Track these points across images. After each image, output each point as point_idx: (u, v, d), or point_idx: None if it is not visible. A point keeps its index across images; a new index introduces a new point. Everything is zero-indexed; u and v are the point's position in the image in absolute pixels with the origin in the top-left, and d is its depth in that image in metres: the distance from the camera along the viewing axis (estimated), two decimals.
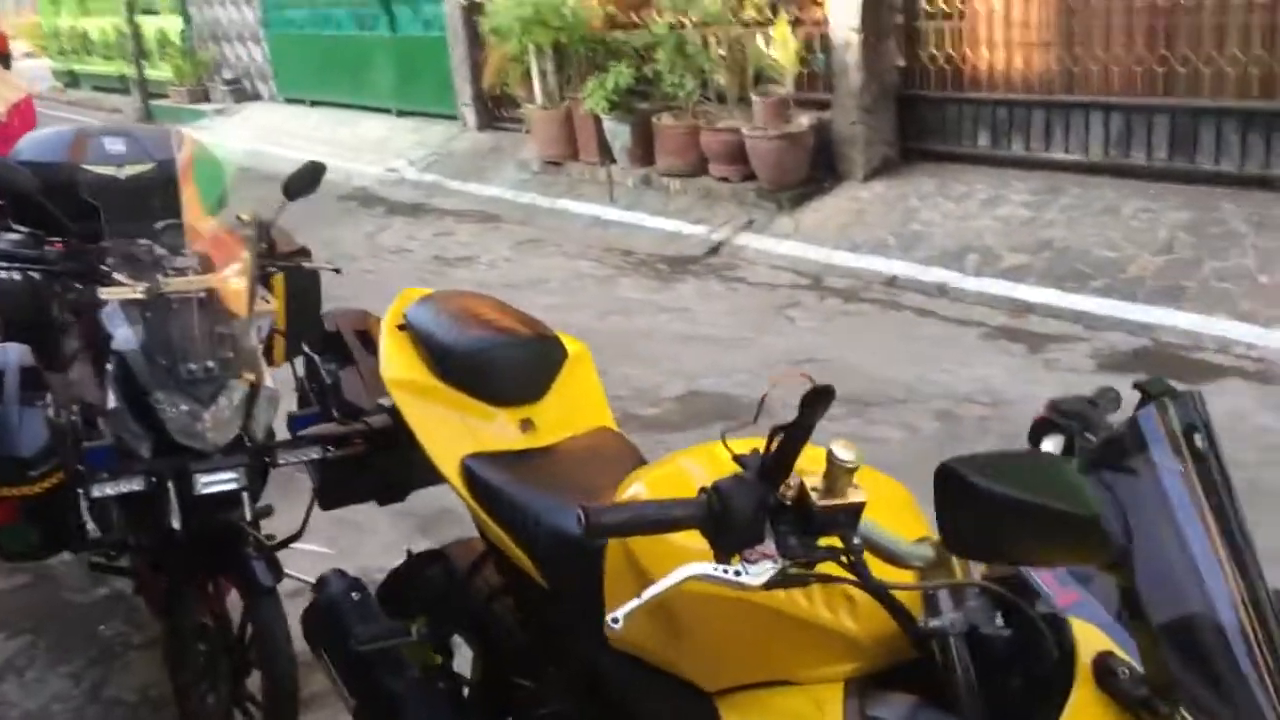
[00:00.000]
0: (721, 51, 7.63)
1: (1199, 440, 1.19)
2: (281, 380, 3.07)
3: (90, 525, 2.80)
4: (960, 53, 7.11)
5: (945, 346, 5.34)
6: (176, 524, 2.57)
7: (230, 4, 14.74)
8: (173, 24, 15.59)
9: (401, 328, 2.21)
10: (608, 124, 8.30)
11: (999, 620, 1.30)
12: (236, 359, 2.70)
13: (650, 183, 8.16)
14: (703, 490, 1.26)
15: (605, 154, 8.45)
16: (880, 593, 1.28)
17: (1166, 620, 1.14)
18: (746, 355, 5.37)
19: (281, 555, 2.81)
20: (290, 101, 13.80)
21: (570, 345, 2.22)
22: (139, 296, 2.69)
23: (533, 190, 8.89)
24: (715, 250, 7.15)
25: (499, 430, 2.05)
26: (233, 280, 2.78)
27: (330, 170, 11.15)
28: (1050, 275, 5.83)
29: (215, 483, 2.58)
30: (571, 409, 2.14)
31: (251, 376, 2.70)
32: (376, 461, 2.60)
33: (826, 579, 1.28)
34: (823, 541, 1.25)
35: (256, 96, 14.58)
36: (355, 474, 2.66)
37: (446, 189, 9.52)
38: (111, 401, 2.74)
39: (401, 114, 11.68)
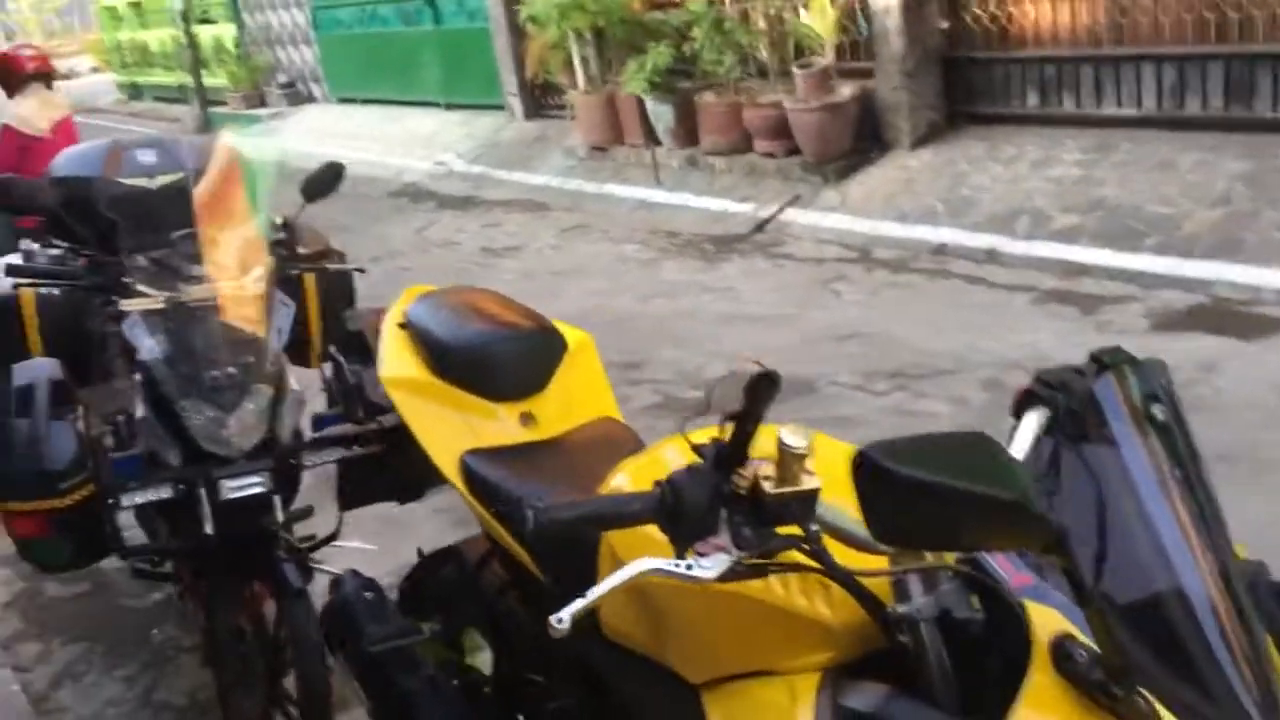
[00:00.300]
0: (760, 25, 7.53)
1: (1158, 411, 1.13)
2: (314, 382, 3.10)
3: (128, 533, 2.86)
4: (1005, 11, 6.93)
5: (994, 314, 5.23)
6: (210, 529, 2.60)
7: (281, 8, 14.92)
8: (227, 31, 15.84)
9: (403, 326, 2.21)
10: (650, 105, 8.25)
11: (975, 604, 1.26)
12: (258, 364, 2.72)
13: (695, 163, 8.10)
14: (657, 483, 1.24)
15: (650, 136, 8.40)
16: (845, 580, 1.25)
17: (1132, 598, 1.09)
18: (790, 332, 5.31)
19: (327, 554, 2.84)
20: (343, 101, 13.94)
21: (571, 336, 2.21)
22: (159, 307, 2.73)
23: (579, 176, 8.88)
24: (761, 227, 7.08)
25: (498, 425, 2.04)
26: (251, 286, 2.80)
27: (380, 167, 11.28)
28: (1103, 235, 5.68)
29: (241, 487, 2.60)
30: (573, 401, 2.12)
31: (274, 380, 2.72)
32: (392, 460, 2.61)
33: (788, 568, 1.25)
34: (781, 530, 1.22)
35: (311, 98, 14.76)
36: (373, 473, 2.67)
37: (494, 180, 9.55)
38: (140, 411, 2.79)
39: (450, 107, 11.73)
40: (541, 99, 10.36)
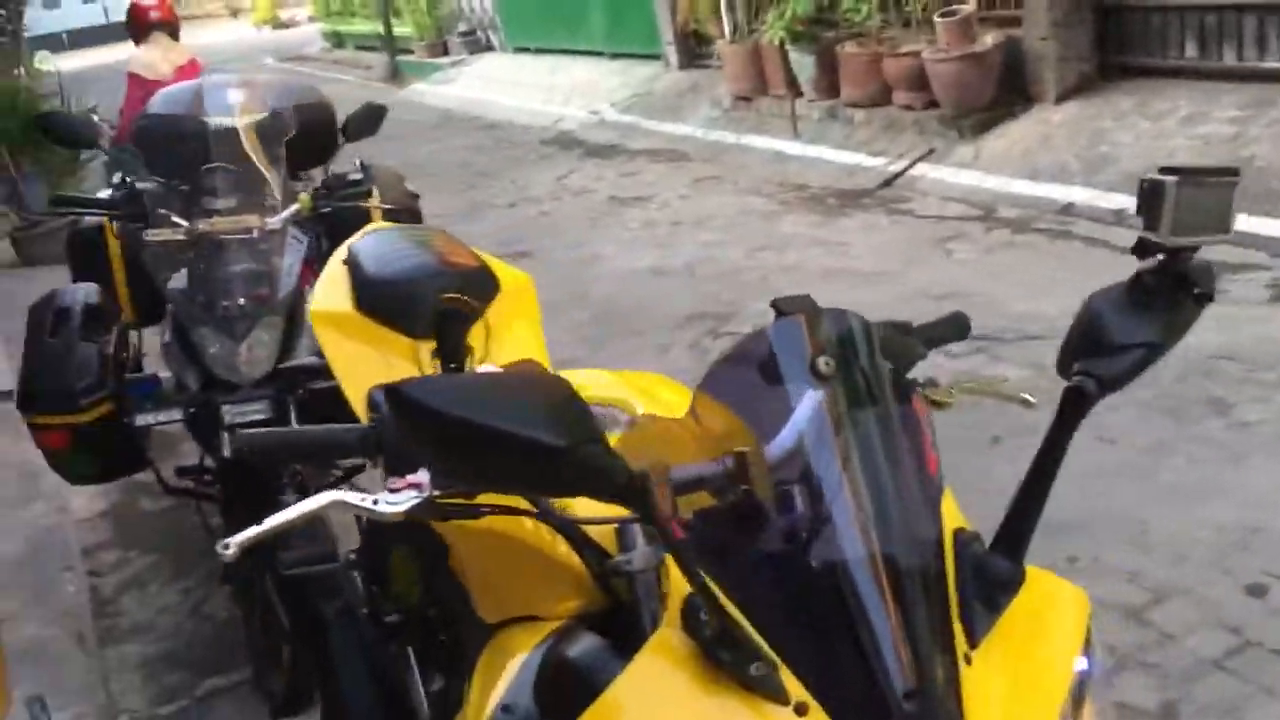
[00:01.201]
0: None
1: (823, 364, 1.05)
2: None
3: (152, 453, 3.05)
4: None
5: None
6: (227, 453, 2.74)
7: None
8: None
9: (345, 261, 2.25)
10: (793, 56, 8.07)
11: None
12: (271, 296, 2.83)
13: (835, 115, 7.89)
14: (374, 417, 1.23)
15: (792, 87, 8.22)
16: (562, 526, 1.22)
17: (788, 561, 1.03)
18: (886, 290, 5.14)
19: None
20: (518, 50, 14.17)
21: (509, 278, 2.20)
22: (181, 238, 2.87)
23: (722, 127, 8.79)
24: (889, 183, 6.85)
25: (415, 363, 2.06)
26: (269, 221, 2.90)
27: (541, 115, 11.53)
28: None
29: (242, 414, 2.74)
30: (498, 342, 2.11)
31: (287, 312, 2.84)
32: None
33: (499, 510, 1.22)
34: None
35: (489, 47, 15.06)
36: (334, 407, 2.74)
37: (643, 129, 9.55)
38: (166, 337, 2.96)
39: (614, 57, 11.78)
40: (696, 49, 10.27)
